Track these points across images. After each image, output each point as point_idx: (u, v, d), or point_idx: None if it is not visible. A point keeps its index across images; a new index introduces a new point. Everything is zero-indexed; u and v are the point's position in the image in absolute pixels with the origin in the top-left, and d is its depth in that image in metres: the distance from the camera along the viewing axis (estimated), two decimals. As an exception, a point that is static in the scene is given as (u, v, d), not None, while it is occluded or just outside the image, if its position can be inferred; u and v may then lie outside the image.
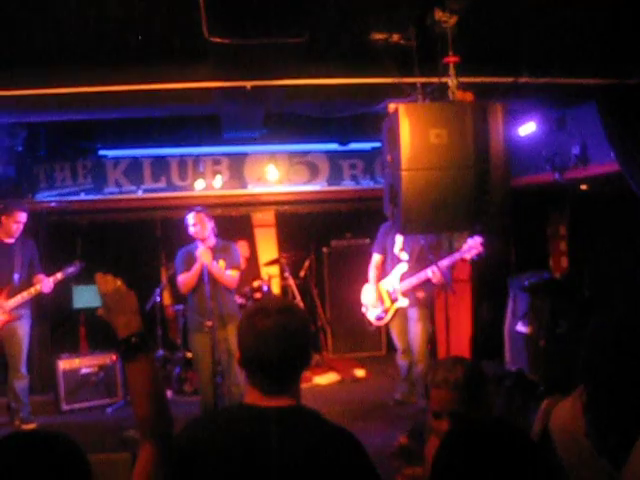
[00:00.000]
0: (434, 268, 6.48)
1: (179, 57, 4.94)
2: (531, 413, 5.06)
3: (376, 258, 7.08)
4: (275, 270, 9.42)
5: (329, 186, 8.55)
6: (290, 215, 9.19)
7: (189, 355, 7.60)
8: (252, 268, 8.92)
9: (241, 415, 2.15)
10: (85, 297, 7.71)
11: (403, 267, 6.82)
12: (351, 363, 8.84)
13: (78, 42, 4.67)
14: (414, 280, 6.71)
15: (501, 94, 4.80)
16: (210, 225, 6.34)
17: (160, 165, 8.32)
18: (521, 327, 7.32)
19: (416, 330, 6.81)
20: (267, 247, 9.78)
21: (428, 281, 6.66)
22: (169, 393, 7.66)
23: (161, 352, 8.30)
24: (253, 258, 9.29)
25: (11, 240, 6.59)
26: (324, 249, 9.55)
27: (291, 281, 8.77)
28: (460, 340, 8.47)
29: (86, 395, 7.20)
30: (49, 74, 5.01)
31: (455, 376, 2.69)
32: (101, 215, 8.53)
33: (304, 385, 7.95)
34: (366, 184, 8.58)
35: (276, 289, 9.32)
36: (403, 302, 6.81)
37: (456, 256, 6.58)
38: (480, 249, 6.44)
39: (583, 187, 7.04)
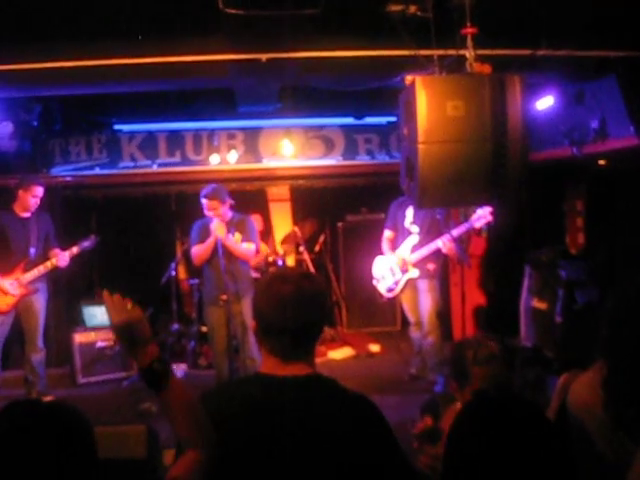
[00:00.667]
0: (445, 238, 6.50)
1: (194, 29, 4.90)
2: (546, 389, 5.07)
3: (387, 234, 7.11)
4: (290, 244, 9.41)
5: (344, 160, 8.50)
6: (305, 190, 9.16)
7: (204, 329, 7.63)
8: (267, 242, 8.92)
9: (258, 384, 2.15)
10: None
11: (414, 239, 6.83)
12: (366, 338, 8.84)
13: (92, 16, 4.64)
14: (424, 251, 6.72)
15: (519, 67, 4.72)
16: (226, 204, 6.29)
17: (175, 139, 8.30)
18: (537, 303, 7.29)
19: (426, 302, 6.83)
20: (282, 222, 9.76)
21: (438, 252, 6.67)
22: (184, 367, 7.71)
23: (176, 326, 8.35)
24: (268, 232, 9.28)
25: (27, 214, 6.60)
26: (339, 224, 9.52)
27: (306, 256, 8.75)
28: (475, 316, 8.47)
29: (102, 368, 7.25)
30: (63, 48, 4.99)
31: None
32: (116, 190, 8.54)
33: (319, 360, 7.94)
34: (381, 159, 8.52)
35: (291, 263, 9.32)
36: (413, 273, 6.81)
37: (466, 225, 6.59)
38: (489, 218, 6.46)
39: (601, 162, 6.96)
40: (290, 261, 9.25)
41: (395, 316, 9.25)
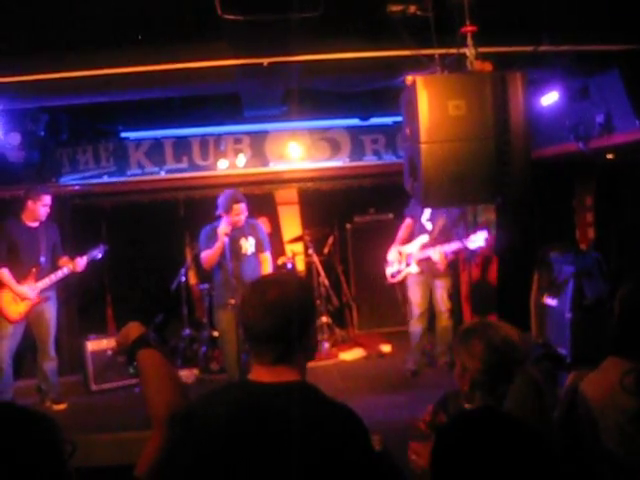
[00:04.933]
0: (439, 248, 6.76)
1: (196, 36, 4.93)
2: (558, 386, 5.05)
3: (407, 221, 7.36)
4: (299, 247, 9.41)
5: (351, 162, 8.50)
6: (313, 192, 9.16)
7: (215, 334, 7.64)
8: (276, 245, 8.92)
9: (241, 391, 2.17)
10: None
11: (425, 238, 7.03)
12: (377, 338, 8.83)
13: (95, 25, 4.68)
14: (425, 254, 6.97)
15: (521, 63, 4.71)
16: (246, 212, 6.39)
17: (182, 145, 8.33)
18: (547, 299, 7.26)
19: (442, 294, 7.12)
20: (291, 224, 9.77)
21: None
22: (196, 372, 7.73)
23: (187, 331, 8.36)
24: (277, 236, 9.28)
25: (36, 224, 6.65)
26: (347, 225, 9.52)
27: (315, 258, 8.76)
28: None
29: (114, 375, 7.26)
30: (68, 58, 5.04)
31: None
32: (124, 197, 8.57)
33: (330, 362, 7.99)
34: (388, 159, 8.52)
35: (300, 266, 9.32)
36: (413, 268, 7.10)
37: (459, 245, 6.79)
38: (482, 244, 6.69)
39: (609, 156, 6.93)
40: (299, 263, 9.26)
41: (405, 316, 9.22)
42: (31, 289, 6.49)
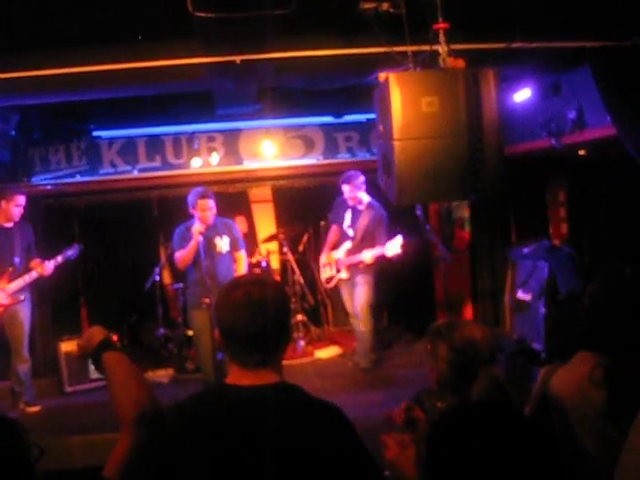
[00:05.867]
0: (369, 252, 7.01)
1: (168, 34, 4.89)
2: (532, 381, 5.07)
3: (333, 228, 7.67)
4: (274, 246, 9.40)
5: (325, 159, 8.50)
6: (287, 190, 9.15)
7: (190, 333, 7.61)
8: (250, 244, 8.90)
9: (219, 397, 2.15)
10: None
11: (348, 244, 7.32)
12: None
13: (65, 23, 4.63)
14: (353, 259, 7.21)
15: (494, 60, 4.74)
16: (214, 209, 6.38)
17: (154, 144, 8.27)
18: (521, 295, 7.32)
19: (360, 294, 7.27)
20: (265, 223, 9.75)
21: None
22: (171, 371, 7.69)
23: (162, 331, 8.33)
24: (251, 234, 9.26)
25: (10, 224, 6.57)
26: (322, 223, 9.50)
27: (290, 256, 8.75)
28: (460, 310, 8.50)
29: (89, 376, 7.21)
30: (38, 57, 4.98)
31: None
32: (97, 196, 8.50)
33: (306, 359, 7.98)
34: (362, 156, 8.53)
35: (275, 264, 9.30)
36: (343, 274, 7.38)
37: (379, 251, 6.97)
38: (398, 251, 6.85)
39: (581, 152, 6.99)
40: (274, 262, 9.24)
41: (382, 313, 9.24)
42: (2, 293, 6.40)
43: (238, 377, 2.12)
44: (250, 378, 2.10)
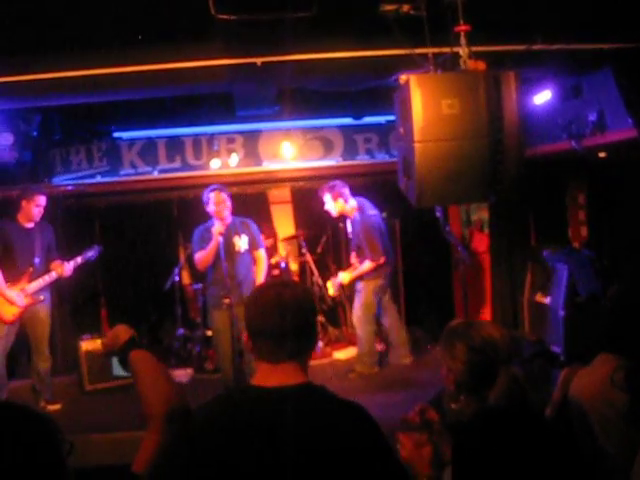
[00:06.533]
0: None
1: (189, 36, 4.92)
2: (551, 383, 5.06)
3: None
4: (293, 247, 9.42)
5: (344, 161, 8.49)
6: (306, 191, 9.15)
7: (209, 333, 7.64)
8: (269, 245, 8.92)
9: (246, 398, 2.16)
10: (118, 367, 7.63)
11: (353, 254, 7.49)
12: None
13: (88, 25, 4.67)
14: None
15: (514, 62, 4.74)
16: (229, 203, 6.39)
17: (175, 145, 8.31)
18: (540, 297, 7.29)
19: (357, 299, 7.32)
20: (284, 224, 9.77)
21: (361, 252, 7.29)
22: (190, 371, 7.73)
23: (181, 331, 8.36)
24: (271, 235, 9.28)
25: (31, 225, 6.62)
26: (340, 224, 9.51)
27: (309, 257, 8.76)
28: (479, 312, 8.47)
29: (109, 375, 7.25)
30: (60, 58, 5.03)
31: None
32: (118, 197, 8.53)
33: (324, 360, 7.99)
34: (381, 158, 8.52)
35: (294, 266, 9.32)
36: (339, 278, 7.44)
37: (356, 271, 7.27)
38: (331, 293, 7.64)
39: (601, 155, 6.95)
40: (293, 263, 9.26)
41: (400, 314, 9.23)
42: (20, 294, 6.46)
43: (265, 376, 2.15)
44: (277, 377, 2.13)
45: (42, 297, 6.63)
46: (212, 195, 6.30)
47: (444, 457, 2.39)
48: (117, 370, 7.27)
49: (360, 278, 7.24)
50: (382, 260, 7.08)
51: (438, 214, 6.59)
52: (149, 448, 1.87)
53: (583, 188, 8.09)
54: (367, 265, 7.09)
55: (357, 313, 7.30)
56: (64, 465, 1.67)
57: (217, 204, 6.27)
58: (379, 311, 7.44)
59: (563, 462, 1.57)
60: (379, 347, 7.67)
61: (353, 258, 7.48)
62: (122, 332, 2.20)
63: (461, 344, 2.63)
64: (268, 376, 2.14)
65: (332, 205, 7.21)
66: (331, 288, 7.51)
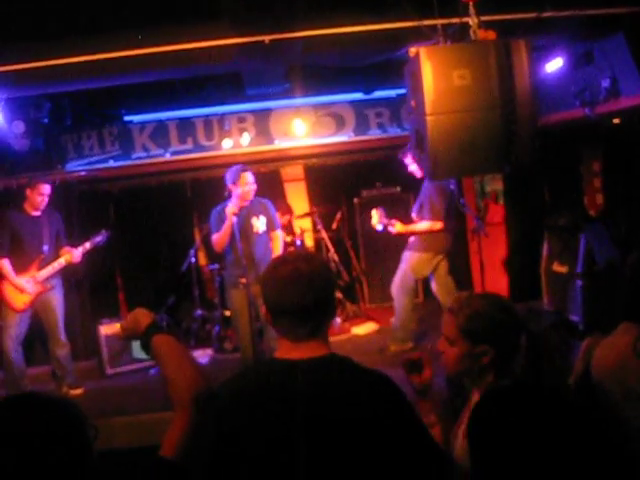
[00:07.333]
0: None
1: (196, 16, 4.90)
2: (571, 353, 5.06)
3: None
4: (307, 224, 9.42)
5: (356, 136, 8.46)
6: (319, 168, 9.14)
7: (227, 313, 7.67)
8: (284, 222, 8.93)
9: (272, 370, 2.17)
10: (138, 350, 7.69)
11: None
12: (388, 312, 8.78)
13: (95, 9, 4.66)
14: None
15: (525, 30, 4.67)
16: (255, 185, 6.38)
17: (186, 126, 8.30)
18: (557, 267, 7.26)
19: (399, 270, 7.04)
20: (298, 201, 9.76)
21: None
22: (210, 352, 7.78)
23: (199, 312, 8.40)
24: (285, 212, 9.28)
25: (37, 213, 6.65)
26: (355, 200, 9.51)
27: (324, 234, 8.76)
28: (496, 283, 8.44)
29: (129, 358, 7.31)
30: (68, 43, 5.02)
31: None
32: (131, 181, 8.57)
33: (343, 336, 8.01)
34: (393, 132, 8.47)
35: (309, 243, 9.33)
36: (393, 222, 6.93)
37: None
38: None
39: (615, 121, 6.89)
40: (308, 240, 9.26)
41: (417, 288, 9.23)
42: (31, 281, 6.50)
43: (288, 351, 2.15)
44: (300, 351, 2.13)
45: (53, 284, 6.67)
46: (245, 175, 6.23)
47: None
48: (137, 353, 7.34)
49: (409, 247, 6.95)
50: (439, 225, 6.69)
51: (452, 187, 6.55)
52: (177, 432, 1.86)
53: (598, 155, 8.03)
54: (423, 225, 6.76)
55: (396, 282, 7.06)
56: (91, 450, 1.70)
57: (246, 184, 6.24)
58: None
59: (585, 442, 1.56)
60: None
61: (414, 215, 7.02)
62: (142, 316, 2.17)
63: (476, 309, 2.51)
64: (290, 351, 2.15)
65: (415, 166, 6.76)
66: (375, 216, 6.97)
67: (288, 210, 9.17)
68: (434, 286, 7.01)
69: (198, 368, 2.02)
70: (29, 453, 1.60)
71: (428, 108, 4.00)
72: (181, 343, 2.11)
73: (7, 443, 1.60)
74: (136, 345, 7.68)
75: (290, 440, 2.01)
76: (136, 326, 2.16)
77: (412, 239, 6.93)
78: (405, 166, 6.19)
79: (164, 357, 2.04)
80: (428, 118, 4.01)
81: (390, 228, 6.90)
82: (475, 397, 2.52)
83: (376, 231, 7.18)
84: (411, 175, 6.78)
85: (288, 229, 8.71)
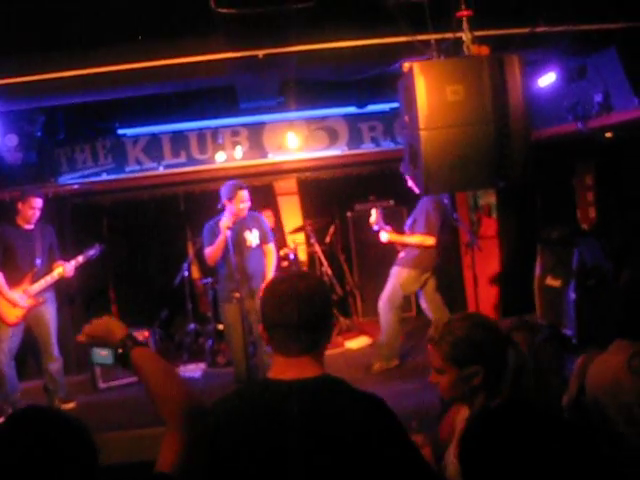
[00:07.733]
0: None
1: (190, 31, 4.91)
2: (563, 368, 5.06)
3: None
4: (301, 238, 9.42)
5: (349, 150, 8.47)
6: (312, 181, 9.14)
7: (220, 327, 7.65)
8: (277, 237, 8.92)
9: (266, 391, 2.16)
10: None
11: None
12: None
13: (88, 23, 4.66)
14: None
15: (518, 45, 4.69)
16: (249, 202, 6.36)
17: (179, 140, 8.30)
18: (551, 281, 7.26)
19: (387, 285, 7.01)
20: (291, 215, 9.76)
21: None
22: (203, 366, 7.75)
23: (192, 326, 8.38)
24: (278, 227, 9.28)
25: (30, 226, 6.61)
26: (348, 213, 9.51)
27: (317, 248, 8.76)
28: (489, 297, 8.45)
29: (121, 372, 7.27)
30: (61, 57, 5.02)
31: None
32: (124, 194, 8.54)
33: (336, 350, 7.99)
34: (387, 145, 8.49)
35: (302, 256, 9.32)
36: (387, 230, 6.94)
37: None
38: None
39: (608, 135, 6.91)
40: (302, 254, 9.26)
41: (410, 302, 9.23)
42: (24, 295, 6.48)
43: (282, 370, 2.15)
44: (294, 370, 2.13)
45: (45, 297, 6.64)
46: (241, 194, 6.21)
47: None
48: (96, 359, 7.33)
49: (397, 263, 6.94)
50: (431, 241, 6.68)
51: (445, 201, 6.56)
52: (171, 447, 1.83)
53: (590, 169, 8.05)
54: (415, 237, 6.75)
55: (382, 298, 7.04)
56: (96, 465, 1.68)
57: (242, 202, 6.23)
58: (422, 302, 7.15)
59: (578, 461, 1.55)
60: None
61: (407, 229, 6.98)
62: (116, 327, 2.10)
63: (461, 329, 2.48)
64: (284, 369, 2.14)
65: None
66: (373, 215, 6.94)
67: (280, 225, 9.19)
68: (423, 303, 7.07)
69: (184, 384, 1.99)
70: (43, 469, 1.59)
71: (422, 123, 4.01)
72: (163, 357, 2.08)
73: (20, 459, 1.58)
74: (95, 351, 7.59)
75: (285, 463, 2.00)
76: (108, 335, 2.09)
77: (402, 254, 6.94)
78: (405, 180, 6.19)
79: (148, 371, 1.98)
80: (422, 133, 4.01)
81: (382, 233, 6.89)
82: (463, 412, 2.52)
83: (372, 230, 7.14)
84: (408, 189, 6.78)
85: (281, 243, 8.71)
